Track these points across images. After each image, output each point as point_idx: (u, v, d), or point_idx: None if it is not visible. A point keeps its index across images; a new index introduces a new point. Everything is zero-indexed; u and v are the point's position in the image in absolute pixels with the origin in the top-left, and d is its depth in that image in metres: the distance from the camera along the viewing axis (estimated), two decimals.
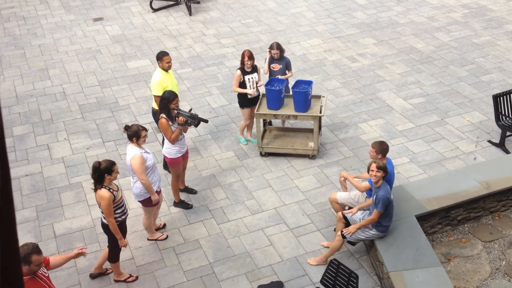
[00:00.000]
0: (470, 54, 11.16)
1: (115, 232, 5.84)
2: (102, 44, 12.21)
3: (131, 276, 6.39)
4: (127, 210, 6.07)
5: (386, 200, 5.89)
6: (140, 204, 7.43)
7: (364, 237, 6.24)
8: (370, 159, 6.43)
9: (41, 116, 9.63)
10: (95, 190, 5.74)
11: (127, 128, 6.23)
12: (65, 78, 10.85)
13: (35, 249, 4.49)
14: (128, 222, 7.11)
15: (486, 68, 10.61)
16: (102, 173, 5.65)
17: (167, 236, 6.97)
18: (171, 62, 7.67)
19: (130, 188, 7.78)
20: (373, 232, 6.16)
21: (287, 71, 8.44)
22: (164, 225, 7.17)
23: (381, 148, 6.34)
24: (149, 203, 6.44)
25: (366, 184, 6.43)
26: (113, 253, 6.14)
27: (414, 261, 5.93)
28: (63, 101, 10.08)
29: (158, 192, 6.54)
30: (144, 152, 6.26)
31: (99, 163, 5.68)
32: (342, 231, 6.25)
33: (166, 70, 7.63)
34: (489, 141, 8.49)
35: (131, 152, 6.19)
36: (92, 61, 11.50)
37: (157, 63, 7.73)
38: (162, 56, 7.59)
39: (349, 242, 6.35)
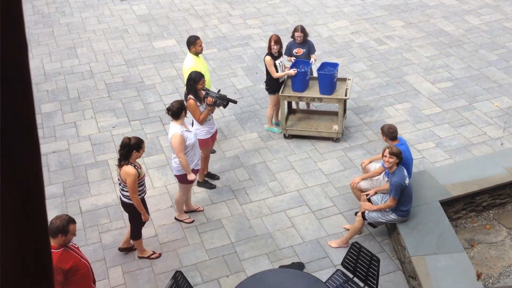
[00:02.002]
0: (500, 38, 10.91)
1: (139, 207, 5.94)
2: (129, 24, 12.28)
3: (154, 253, 6.49)
4: (146, 187, 6.15)
5: (399, 186, 5.88)
6: (164, 183, 7.54)
7: (384, 221, 6.23)
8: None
9: (68, 94, 9.77)
10: (120, 166, 5.82)
11: (170, 108, 6.27)
12: (92, 57, 10.96)
13: (71, 218, 4.74)
14: (152, 201, 7.23)
15: None
16: (131, 149, 5.72)
17: (194, 220, 7.02)
18: (202, 44, 7.66)
19: (151, 168, 7.87)
20: (393, 216, 6.14)
21: (311, 55, 8.34)
22: (202, 211, 7.17)
23: (388, 131, 6.32)
24: (185, 180, 6.51)
25: (379, 167, 6.44)
26: (135, 230, 6.25)
27: (436, 246, 5.90)
28: (90, 79, 10.19)
29: (196, 171, 6.63)
30: (186, 130, 6.32)
31: (129, 138, 5.76)
32: (363, 211, 6.28)
33: (198, 54, 7.59)
34: None
35: (173, 130, 6.26)
36: (119, 40, 11.58)
37: (187, 48, 7.61)
38: (195, 40, 7.50)
39: (370, 224, 6.35)
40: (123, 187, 5.92)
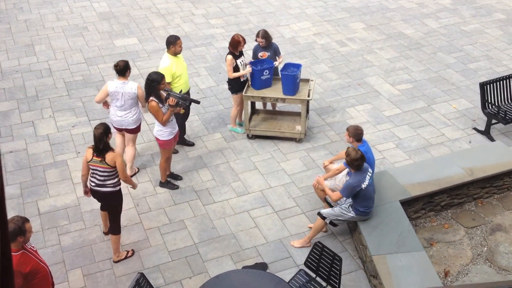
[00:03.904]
0: (458, 42, 11.20)
1: (131, 182, 6.15)
2: (89, 21, 12.05)
3: (127, 252, 6.40)
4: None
5: (350, 187, 5.97)
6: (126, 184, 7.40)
7: (343, 219, 6.30)
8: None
9: (26, 92, 9.51)
10: (103, 155, 5.75)
11: (117, 65, 6.94)
12: (51, 55, 10.70)
13: (23, 218, 4.62)
14: None
15: (474, 56, 10.66)
16: (106, 135, 5.77)
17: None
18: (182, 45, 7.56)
19: None
20: (351, 214, 6.22)
21: (276, 57, 8.36)
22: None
23: (355, 132, 6.39)
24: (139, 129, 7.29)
25: (341, 165, 6.51)
26: (116, 223, 6.17)
27: (397, 245, 6.00)
28: (49, 77, 9.95)
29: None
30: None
31: (99, 129, 5.75)
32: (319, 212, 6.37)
33: (177, 54, 7.46)
34: (475, 129, 8.57)
35: (133, 84, 7.00)
36: (79, 38, 11.35)
37: (166, 48, 7.45)
38: (175, 40, 7.35)
39: (330, 223, 6.41)
40: (106, 176, 5.84)
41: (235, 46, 7.87)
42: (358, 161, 5.90)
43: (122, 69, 6.93)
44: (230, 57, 7.89)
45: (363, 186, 5.98)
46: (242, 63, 8.03)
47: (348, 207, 6.23)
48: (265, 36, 8.14)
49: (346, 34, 11.49)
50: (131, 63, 10.35)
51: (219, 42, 11.18)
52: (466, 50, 10.86)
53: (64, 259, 6.38)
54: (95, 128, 5.79)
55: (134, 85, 6.99)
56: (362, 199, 6.09)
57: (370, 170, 6.10)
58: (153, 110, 6.68)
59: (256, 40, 8.26)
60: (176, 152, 7.99)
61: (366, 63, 10.43)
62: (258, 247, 6.55)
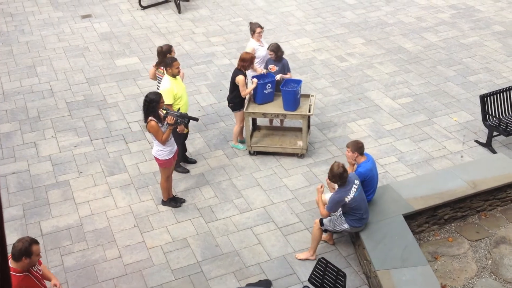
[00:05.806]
0: (457, 55, 11.24)
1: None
2: (90, 42, 12.14)
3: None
4: None
5: (333, 202, 6.04)
6: (128, 203, 7.41)
7: (338, 229, 6.34)
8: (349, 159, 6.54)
9: (28, 113, 9.55)
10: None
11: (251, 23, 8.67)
12: (53, 75, 10.77)
13: (33, 240, 4.62)
14: (115, 221, 7.13)
15: (474, 69, 10.69)
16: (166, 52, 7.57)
17: None
18: (179, 66, 7.59)
19: (114, 187, 7.72)
20: (345, 226, 6.24)
21: (286, 73, 8.43)
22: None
23: (356, 146, 6.39)
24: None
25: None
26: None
27: (401, 259, 5.97)
28: (51, 98, 10.00)
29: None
30: (259, 45, 8.53)
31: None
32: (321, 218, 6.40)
33: (175, 76, 7.49)
34: (476, 141, 8.56)
35: (249, 45, 8.54)
36: (80, 58, 11.43)
37: (165, 70, 7.49)
38: (171, 62, 7.37)
39: (326, 230, 6.42)
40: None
41: (251, 63, 8.00)
42: (339, 176, 5.91)
43: (250, 29, 8.71)
44: (242, 77, 7.96)
45: (347, 200, 5.98)
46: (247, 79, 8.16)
47: (339, 216, 6.23)
48: (274, 50, 8.25)
49: (346, 50, 11.55)
50: (132, 82, 10.44)
51: (219, 60, 11.24)
52: (466, 63, 10.90)
53: (67, 280, 6.36)
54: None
55: (249, 46, 8.55)
56: (351, 211, 6.09)
57: (356, 182, 6.08)
58: (153, 130, 6.68)
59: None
60: (187, 171, 8.02)
61: (366, 78, 10.47)
62: (262, 264, 6.52)
